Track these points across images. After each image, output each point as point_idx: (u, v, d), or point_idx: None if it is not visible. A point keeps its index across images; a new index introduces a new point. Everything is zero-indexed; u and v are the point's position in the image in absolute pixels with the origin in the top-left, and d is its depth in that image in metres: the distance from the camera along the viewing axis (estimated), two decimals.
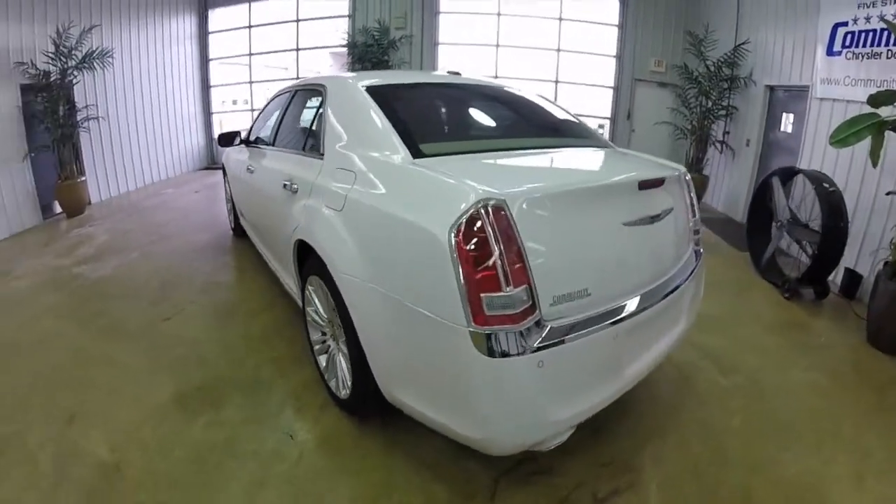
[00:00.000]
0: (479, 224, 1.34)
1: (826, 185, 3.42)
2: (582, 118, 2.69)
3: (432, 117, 2.29)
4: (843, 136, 2.98)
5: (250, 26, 9.08)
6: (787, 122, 5.27)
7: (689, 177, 2.20)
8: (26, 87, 5.18)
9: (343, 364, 2.00)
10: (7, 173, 4.96)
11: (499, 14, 8.31)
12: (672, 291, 1.82)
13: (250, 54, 9.21)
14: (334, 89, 2.35)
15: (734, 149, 6.32)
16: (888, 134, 2.79)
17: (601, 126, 8.53)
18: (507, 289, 1.33)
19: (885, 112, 2.77)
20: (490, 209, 1.35)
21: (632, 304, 1.63)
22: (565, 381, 1.44)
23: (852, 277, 3.62)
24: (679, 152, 7.16)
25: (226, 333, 2.89)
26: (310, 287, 2.19)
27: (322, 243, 1.93)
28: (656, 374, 2.47)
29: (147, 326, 2.96)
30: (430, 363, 1.52)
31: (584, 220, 1.55)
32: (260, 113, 3.78)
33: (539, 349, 1.35)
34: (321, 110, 2.36)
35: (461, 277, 1.34)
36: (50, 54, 5.30)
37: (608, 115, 8.46)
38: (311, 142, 2.42)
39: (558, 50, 8.30)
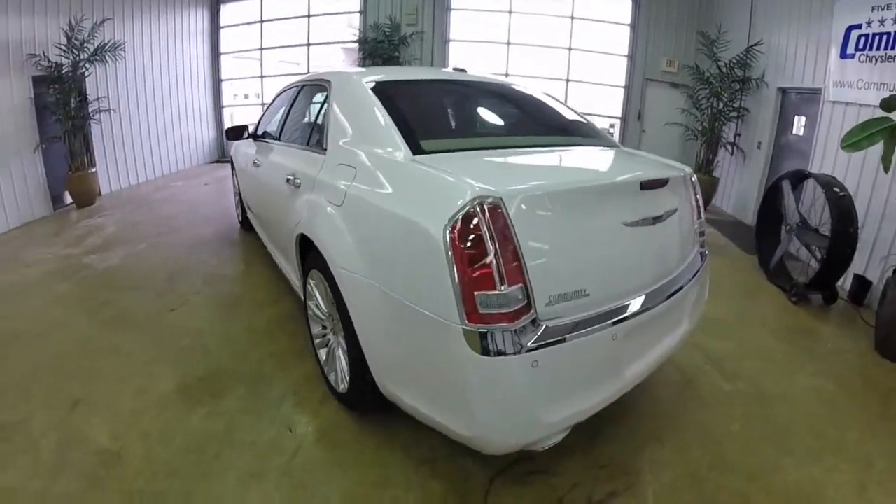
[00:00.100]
0: (474, 221, 1.33)
1: (836, 189, 3.37)
2: (592, 118, 2.68)
3: (435, 114, 2.28)
4: (855, 140, 2.94)
5: (262, 21, 9.13)
6: (798, 125, 5.21)
7: (695, 178, 2.17)
8: (38, 79, 5.24)
9: (342, 358, 2.01)
10: (18, 164, 5.03)
11: (510, 12, 8.28)
12: (674, 293, 1.80)
13: (261, 49, 9.26)
14: (338, 85, 2.36)
15: (745, 151, 6.25)
16: None
17: (612, 126, 8.48)
18: (502, 287, 1.32)
19: None
20: (486, 207, 1.34)
21: (631, 306, 1.62)
22: (560, 382, 1.43)
23: (861, 283, 3.57)
24: (689, 154, 7.10)
25: (230, 325, 2.91)
26: (311, 281, 2.21)
27: (322, 238, 1.93)
28: (658, 376, 2.46)
29: (153, 317, 3.00)
30: (425, 360, 1.52)
31: (583, 219, 1.53)
32: (268, 107, 3.80)
33: (533, 349, 1.35)
34: (325, 105, 2.37)
35: (455, 275, 1.33)
36: (62, 47, 5.36)
37: (619, 114, 8.41)
38: (314, 137, 2.43)
39: (569, 48, 8.26)
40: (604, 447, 1.97)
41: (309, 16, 8.89)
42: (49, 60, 5.20)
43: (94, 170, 5.97)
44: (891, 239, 3.41)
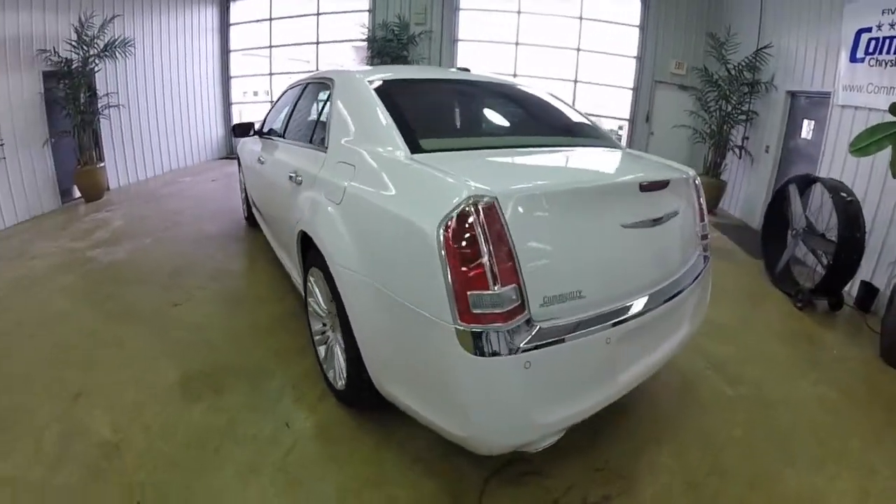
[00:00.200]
0: (468, 221, 1.33)
1: (844, 194, 3.33)
2: (600, 119, 2.67)
3: (435, 113, 2.28)
4: (864, 144, 2.91)
5: (271, 19, 9.17)
6: (807, 129, 5.16)
7: (698, 180, 2.16)
8: (49, 74, 5.30)
9: (340, 355, 2.01)
10: (28, 158, 5.09)
11: (519, 12, 8.26)
12: (674, 296, 1.79)
13: (270, 46, 9.30)
14: (340, 83, 2.36)
15: (753, 155, 6.19)
16: None
17: (620, 128, 8.44)
18: (495, 287, 1.32)
19: None
20: (480, 206, 1.34)
21: (629, 308, 1.60)
22: (554, 384, 1.42)
23: (868, 290, 3.53)
24: (697, 157, 7.06)
25: (232, 321, 2.93)
26: (311, 278, 2.22)
27: (321, 235, 1.94)
28: (658, 380, 2.44)
29: (157, 311, 3.02)
30: (419, 359, 1.52)
31: (580, 220, 1.52)
32: (274, 105, 3.82)
33: (527, 350, 1.34)
34: (328, 104, 2.38)
35: (448, 274, 1.33)
36: (72, 42, 5.42)
37: (627, 116, 8.36)
38: (317, 134, 2.43)
39: (578, 49, 8.23)
40: (601, 450, 1.96)
41: (318, 14, 8.93)
42: (59, 56, 5.26)
43: (102, 164, 6.03)
44: None
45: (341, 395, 2.09)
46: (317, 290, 2.18)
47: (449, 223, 1.34)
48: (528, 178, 1.58)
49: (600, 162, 2.05)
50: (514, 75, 8.39)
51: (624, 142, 8.35)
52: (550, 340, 1.38)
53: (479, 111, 2.49)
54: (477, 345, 1.31)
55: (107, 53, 5.72)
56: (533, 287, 1.38)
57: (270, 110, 3.83)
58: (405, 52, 8.11)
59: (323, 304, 2.14)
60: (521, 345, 1.34)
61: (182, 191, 6.49)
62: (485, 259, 1.32)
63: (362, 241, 1.71)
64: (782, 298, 3.75)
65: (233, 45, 9.37)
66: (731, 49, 6.27)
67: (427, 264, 1.38)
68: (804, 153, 5.14)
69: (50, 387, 2.22)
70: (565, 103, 2.69)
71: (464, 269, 1.32)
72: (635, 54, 8.07)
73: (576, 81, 8.35)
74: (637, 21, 7.97)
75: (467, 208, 1.33)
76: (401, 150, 1.76)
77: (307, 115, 2.83)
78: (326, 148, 2.19)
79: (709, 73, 6.55)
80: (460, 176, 1.46)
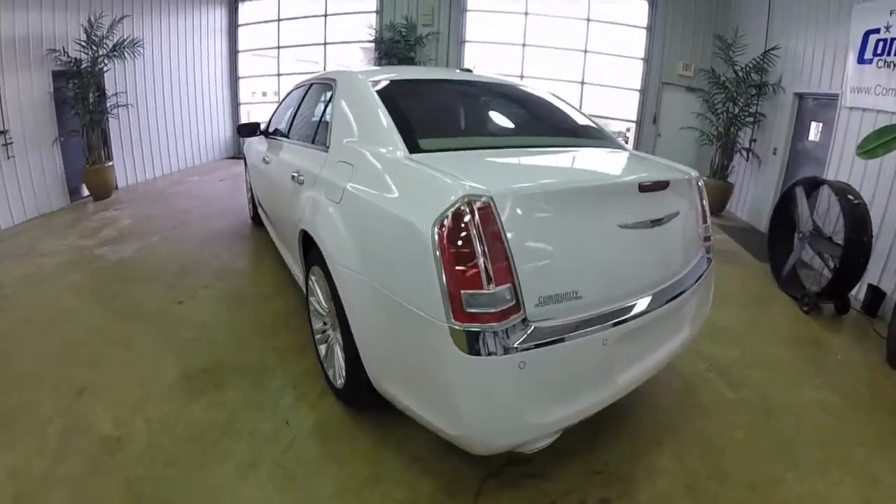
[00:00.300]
0: (463, 220, 1.33)
1: (851, 197, 3.30)
2: (608, 121, 2.67)
3: (435, 113, 2.28)
4: (871, 147, 2.88)
5: (279, 20, 9.23)
6: (815, 132, 5.11)
7: (701, 182, 2.14)
8: (58, 74, 5.37)
9: (339, 354, 2.02)
10: (37, 156, 5.16)
11: (526, 13, 8.26)
12: (674, 298, 1.77)
13: (279, 47, 9.36)
14: (342, 83, 2.38)
15: (760, 157, 6.15)
16: None
17: (627, 130, 8.41)
18: (489, 287, 1.32)
19: None
20: (475, 205, 1.34)
21: (627, 309, 1.59)
22: (549, 384, 1.41)
23: (875, 294, 3.49)
24: (705, 159, 7.01)
25: (236, 319, 2.96)
26: (312, 277, 2.23)
27: (321, 234, 1.95)
28: (659, 382, 2.43)
29: (162, 309, 3.05)
30: (414, 358, 1.52)
31: (577, 220, 1.52)
32: (279, 105, 3.85)
33: (521, 350, 1.34)
34: (330, 104, 2.39)
35: (442, 273, 1.33)
36: (81, 42, 5.49)
37: (634, 118, 8.32)
38: (319, 134, 2.45)
39: (585, 51, 8.20)
40: (600, 453, 1.95)
41: (326, 15, 8.97)
42: (68, 56, 5.33)
43: (110, 163, 6.10)
44: None
45: (341, 394, 2.10)
46: (318, 289, 2.19)
47: (444, 222, 1.34)
48: (525, 178, 1.57)
49: (600, 162, 2.05)
50: (521, 77, 8.38)
51: (631, 144, 8.31)
52: (546, 341, 1.37)
53: (479, 112, 2.49)
54: (471, 344, 1.31)
55: (115, 53, 5.78)
56: (528, 287, 1.38)
57: (276, 110, 3.86)
58: (412, 53, 8.13)
59: (323, 303, 2.16)
60: (516, 345, 1.33)
61: (190, 190, 6.54)
62: (479, 258, 1.32)
63: (360, 240, 1.72)
64: (788, 302, 3.72)
65: (241, 45, 9.44)
66: (739, 51, 6.24)
67: (421, 263, 1.38)
68: (812, 155, 5.09)
69: (56, 382, 2.25)
70: (567, 104, 2.69)
71: (458, 268, 1.32)
72: (642, 56, 8.04)
73: (583, 83, 8.33)
74: (644, 22, 7.93)
75: (462, 207, 1.34)
76: (399, 150, 1.76)
77: (310, 115, 2.85)
78: (328, 148, 2.21)
79: (716, 74, 6.51)
80: (456, 175, 1.47)
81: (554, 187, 1.53)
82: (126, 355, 2.51)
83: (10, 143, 4.78)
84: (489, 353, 1.31)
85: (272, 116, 3.83)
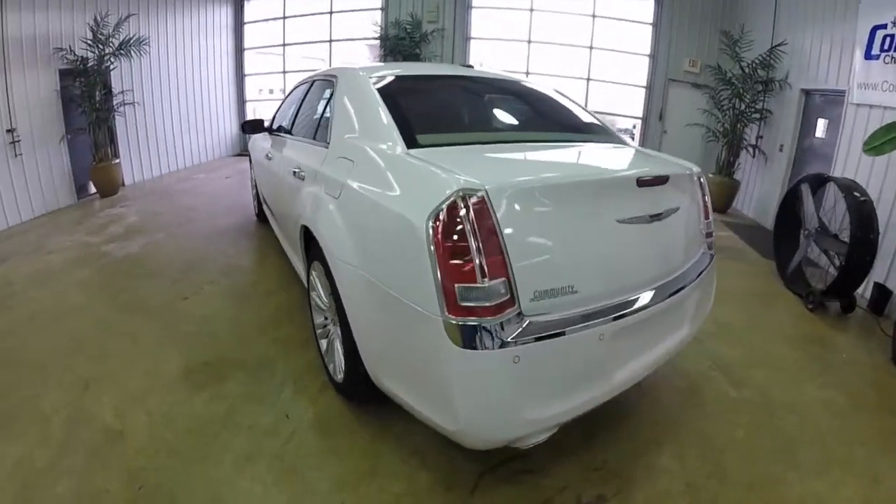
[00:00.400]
0: (457, 214, 1.33)
1: (857, 194, 3.26)
2: (614, 118, 2.65)
3: (434, 109, 2.28)
4: (878, 143, 2.85)
5: (284, 17, 9.26)
6: (822, 128, 5.06)
7: (703, 178, 2.13)
8: (65, 72, 5.42)
9: (339, 348, 2.04)
10: (45, 154, 5.21)
11: (531, 10, 8.23)
12: (673, 294, 1.76)
13: (284, 45, 9.39)
14: (343, 80, 2.39)
15: (767, 154, 6.10)
16: None
17: (634, 126, 8.37)
18: (483, 280, 1.32)
19: None
20: (469, 199, 1.34)
21: (624, 305, 1.58)
22: (543, 379, 1.41)
23: (882, 292, 3.45)
24: (711, 156, 6.96)
25: (239, 314, 2.98)
26: (313, 272, 2.25)
27: (320, 229, 1.97)
28: (661, 380, 2.42)
29: (166, 304, 3.09)
30: (410, 352, 1.53)
31: (573, 214, 1.51)
32: (283, 102, 3.87)
33: (515, 344, 1.33)
34: (331, 100, 2.40)
35: (437, 266, 1.34)
36: (88, 41, 5.53)
37: (640, 115, 8.28)
38: (320, 131, 2.46)
39: (591, 47, 8.17)
40: (599, 450, 1.94)
41: (331, 12, 8.99)
42: (75, 54, 5.38)
43: (117, 161, 6.15)
44: None
45: (340, 388, 2.12)
46: (318, 284, 2.20)
47: (438, 216, 1.35)
48: (521, 173, 1.57)
49: (599, 157, 2.04)
50: (527, 73, 8.36)
51: (637, 140, 8.27)
52: (540, 335, 1.37)
53: (479, 107, 2.49)
54: (465, 338, 1.31)
55: (122, 52, 5.83)
56: (523, 281, 1.37)
57: (279, 107, 3.87)
58: (418, 49, 8.12)
59: (324, 298, 2.17)
60: (510, 339, 1.33)
61: (196, 187, 6.59)
62: (473, 252, 1.32)
63: (358, 234, 1.73)
64: (793, 300, 3.68)
65: (247, 43, 9.49)
66: (745, 47, 6.18)
67: (416, 257, 1.39)
68: (819, 152, 5.04)
69: (62, 376, 2.29)
70: (569, 99, 2.68)
71: (451, 261, 1.33)
72: (648, 52, 7.99)
73: (588, 79, 8.29)
74: (650, 19, 7.88)
75: (456, 202, 1.34)
76: (397, 146, 1.77)
77: (313, 111, 2.87)
78: (328, 144, 2.22)
79: (722, 71, 6.45)
80: (452, 170, 1.47)
81: (549, 181, 1.53)
82: (131, 349, 2.54)
83: (18, 141, 4.83)
84: (483, 347, 1.32)
85: (276, 113, 3.85)
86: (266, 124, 3.72)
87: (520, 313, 1.37)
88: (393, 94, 2.05)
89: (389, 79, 2.24)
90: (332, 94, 2.43)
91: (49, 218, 5.05)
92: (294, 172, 2.48)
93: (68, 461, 1.76)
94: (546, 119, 2.50)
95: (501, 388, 1.36)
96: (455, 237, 1.33)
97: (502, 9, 8.35)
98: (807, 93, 5.36)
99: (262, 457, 1.82)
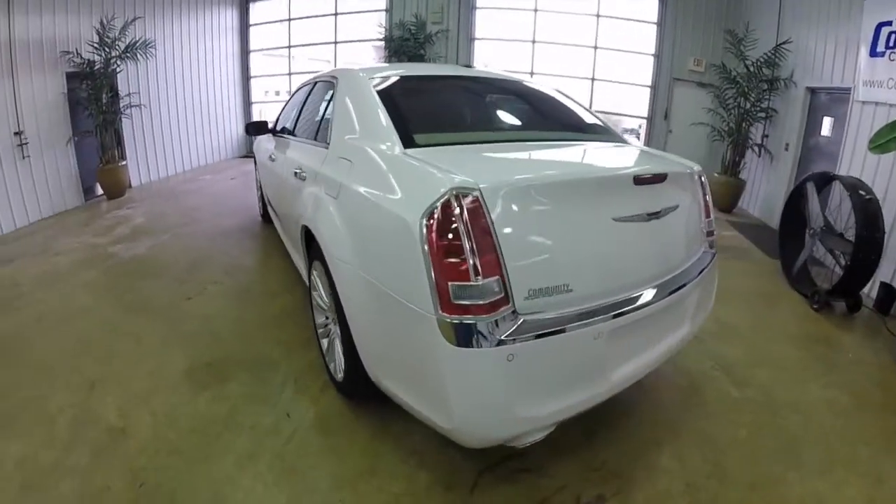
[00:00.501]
0: (450, 212, 1.34)
1: (862, 192, 3.23)
2: (620, 118, 2.64)
3: (432, 108, 2.29)
4: (883, 141, 2.83)
5: (290, 19, 9.31)
6: (827, 126, 5.02)
7: (704, 177, 2.12)
8: (71, 75, 5.48)
9: (339, 347, 2.05)
10: (52, 156, 5.27)
11: (535, 10, 8.22)
12: (671, 293, 1.75)
13: (289, 46, 9.44)
14: (343, 81, 2.40)
15: (772, 153, 6.05)
16: None
17: (640, 126, 8.34)
18: (477, 279, 1.32)
19: None
20: (463, 198, 1.35)
21: (621, 304, 1.58)
22: (538, 378, 1.41)
23: (888, 292, 3.42)
24: (716, 155, 6.92)
25: (243, 314, 3.00)
26: (314, 272, 2.26)
27: (320, 229, 1.98)
28: (663, 380, 2.41)
29: (171, 304, 3.11)
30: (406, 350, 1.54)
31: (568, 213, 1.51)
32: (286, 103, 3.89)
33: (509, 342, 1.34)
34: (331, 101, 2.42)
35: (430, 265, 1.34)
36: (94, 44, 5.60)
37: (645, 114, 8.24)
38: (321, 132, 2.48)
39: (595, 47, 8.14)
40: (599, 450, 1.93)
41: (336, 14, 9.02)
42: (82, 57, 5.44)
43: (124, 163, 6.21)
44: None
45: (341, 387, 2.13)
46: (319, 284, 2.22)
47: (431, 215, 1.36)
48: (516, 172, 1.57)
49: (596, 156, 2.03)
50: (531, 74, 8.35)
51: (642, 140, 8.24)
52: (535, 333, 1.37)
53: (477, 106, 2.49)
54: (459, 336, 1.32)
55: (128, 55, 5.88)
56: (517, 279, 1.38)
57: (283, 109, 3.90)
58: (422, 50, 8.14)
59: (325, 298, 2.18)
60: (504, 337, 1.33)
61: (202, 188, 6.64)
62: (466, 250, 1.32)
63: (355, 233, 1.74)
64: (799, 300, 3.66)
65: (253, 45, 9.54)
66: (750, 45, 6.14)
67: (410, 255, 1.39)
68: (825, 151, 5.00)
69: (68, 376, 2.31)
70: (570, 99, 2.68)
71: (445, 260, 1.33)
72: (653, 52, 7.95)
73: (593, 79, 8.27)
74: (655, 18, 7.85)
75: (449, 200, 1.35)
76: (395, 145, 1.78)
77: (314, 112, 2.88)
78: (328, 144, 2.24)
79: (727, 69, 6.41)
80: (447, 169, 1.48)
81: (544, 180, 1.53)
82: (135, 350, 2.57)
83: (26, 144, 4.89)
84: (477, 345, 1.32)
85: (280, 115, 3.88)
86: (270, 126, 3.75)
87: (514, 311, 1.38)
88: (391, 95, 2.07)
89: (388, 79, 2.25)
90: (332, 96, 2.45)
91: (56, 219, 5.11)
92: (296, 173, 2.50)
93: (72, 460, 1.79)
94: (545, 118, 2.51)
95: (495, 386, 1.36)
96: (449, 235, 1.34)
97: (506, 9, 8.35)
98: (812, 91, 5.32)
99: (263, 456, 1.83)
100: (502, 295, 1.35)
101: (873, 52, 3.91)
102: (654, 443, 2.01)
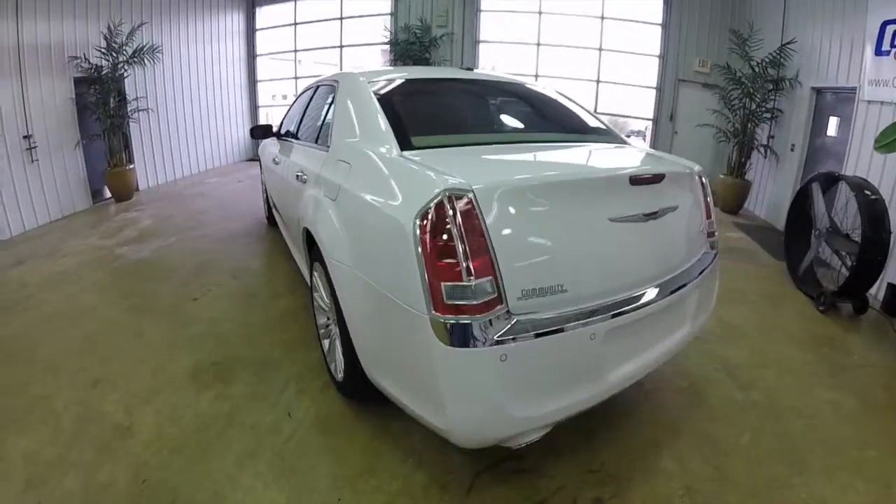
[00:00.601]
0: (443, 214, 1.35)
1: (868, 192, 3.20)
2: (626, 120, 2.64)
3: (431, 111, 2.30)
4: (889, 140, 2.81)
5: (296, 24, 9.38)
6: (833, 126, 4.98)
7: (704, 177, 2.11)
8: (80, 80, 5.57)
9: (339, 348, 2.06)
10: (60, 160, 5.36)
11: (540, 12, 8.23)
12: (669, 294, 1.74)
13: (295, 51, 9.52)
14: (344, 84, 2.43)
15: (778, 154, 6.01)
16: None
17: (646, 128, 8.31)
18: (469, 279, 1.32)
19: None
20: (456, 200, 1.35)
21: (617, 304, 1.57)
22: (532, 378, 1.41)
23: (895, 293, 3.37)
24: (722, 156, 6.88)
25: (246, 315, 3.03)
26: (315, 273, 2.28)
27: (319, 231, 2.00)
28: (665, 382, 2.40)
29: (176, 305, 3.15)
30: (401, 350, 1.54)
31: (563, 213, 1.51)
32: (290, 107, 3.92)
33: (502, 342, 1.34)
34: (332, 104, 2.44)
35: (423, 265, 1.35)
36: (102, 49, 5.68)
37: (651, 116, 8.21)
38: (322, 135, 2.51)
39: (600, 49, 8.13)
40: (598, 452, 1.92)
41: (342, 18, 9.09)
42: (89, 62, 5.52)
43: (131, 166, 6.29)
44: None
45: (341, 387, 2.14)
46: (320, 286, 2.23)
47: (424, 216, 1.37)
48: (511, 173, 1.58)
49: (594, 157, 2.03)
50: (536, 76, 8.36)
51: (648, 142, 8.21)
52: (529, 333, 1.37)
53: (476, 109, 2.50)
54: (452, 335, 1.33)
55: (135, 59, 5.96)
56: (511, 280, 1.38)
57: (287, 112, 3.93)
58: (427, 54, 8.17)
59: (326, 299, 2.20)
60: (497, 337, 1.34)
61: (208, 191, 6.69)
62: (459, 251, 1.33)
63: (353, 235, 1.76)
64: (804, 301, 3.62)
65: (259, 49, 9.63)
66: (755, 45, 6.09)
67: (404, 256, 1.40)
68: (831, 151, 4.96)
69: (74, 375, 2.35)
70: (570, 100, 2.68)
71: (438, 260, 1.34)
72: (658, 53, 7.93)
73: (598, 81, 8.25)
74: (659, 19, 7.83)
75: (442, 202, 1.36)
76: (392, 148, 1.79)
77: (316, 116, 2.91)
78: (329, 147, 2.26)
79: (732, 70, 6.37)
80: (441, 170, 1.48)
81: (538, 181, 1.53)
82: (140, 349, 2.60)
83: (35, 147, 4.97)
84: (470, 345, 1.32)
85: (284, 118, 3.91)
86: (274, 129, 3.79)
87: (507, 312, 1.38)
88: (389, 98, 2.09)
89: (388, 83, 2.27)
90: (333, 99, 2.47)
91: (65, 222, 5.18)
92: (297, 176, 2.52)
93: (77, 456, 1.82)
94: (545, 120, 2.51)
95: (489, 386, 1.36)
96: (442, 236, 1.35)
97: (511, 12, 8.36)
98: (818, 91, 5.28)
99: (263, 454, 1.85)
100: (495, 295, 1.36)
101: (878, 51, 3.87)
102: (655, 444, 1.99)
